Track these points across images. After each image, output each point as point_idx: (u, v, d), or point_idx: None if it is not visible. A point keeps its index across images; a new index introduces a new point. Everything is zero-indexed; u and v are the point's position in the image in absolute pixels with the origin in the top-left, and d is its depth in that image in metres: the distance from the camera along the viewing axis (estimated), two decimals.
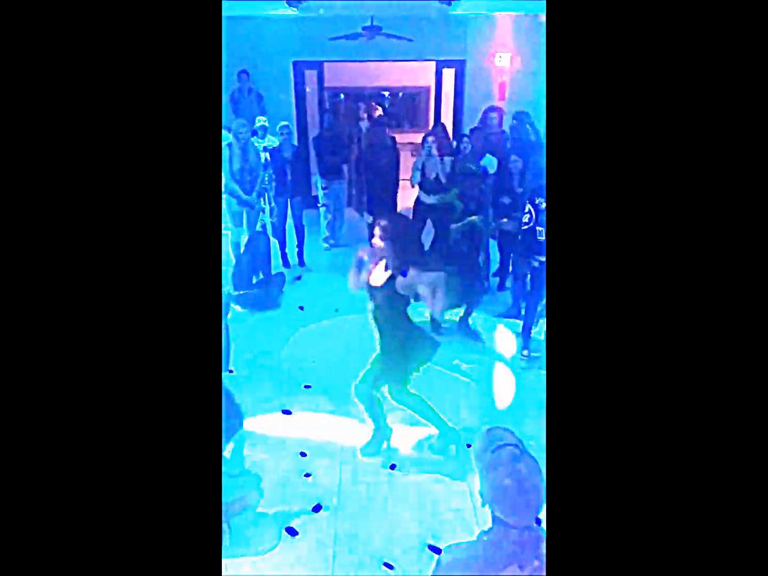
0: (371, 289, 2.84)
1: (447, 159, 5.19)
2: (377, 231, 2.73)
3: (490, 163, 5.15)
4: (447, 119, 7.77)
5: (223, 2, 1.64)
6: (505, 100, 7.25)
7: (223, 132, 4.80)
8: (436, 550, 2.57)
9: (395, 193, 5.96)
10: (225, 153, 4.97)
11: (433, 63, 7.62)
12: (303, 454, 3.15)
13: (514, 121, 6.02)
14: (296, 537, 2.64)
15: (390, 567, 2.51)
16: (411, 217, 5.08)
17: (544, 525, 1.28)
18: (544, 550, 1.26)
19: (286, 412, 3.52)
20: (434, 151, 5.08)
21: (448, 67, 7.49)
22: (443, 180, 5.11)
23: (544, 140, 5.39)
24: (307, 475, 3.05)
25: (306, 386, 3.76)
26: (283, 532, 2.65)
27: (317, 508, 2.82)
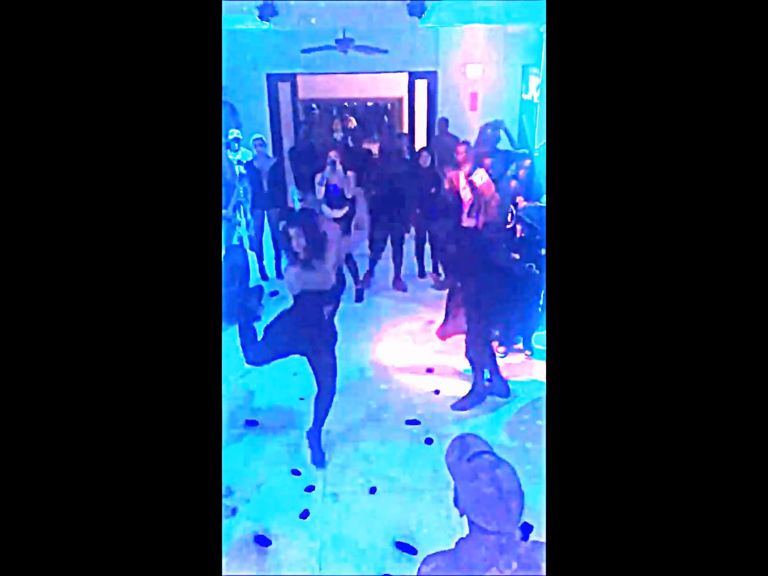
0: None
1: (351, 174, 5.16)
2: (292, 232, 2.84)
3: (480, 176, 5.19)
4: (420, 129, 7.86)
5: None
6: (477, 110, 7.37)
7: None
8: (405, 548, 2.61)
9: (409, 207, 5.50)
10: None
11: (406, 74, 7.70)
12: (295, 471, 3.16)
13: (489, 130, 6.12)
14: (269, 546, 2.65)
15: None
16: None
17: (542, 533, 1.29)
18: (523, 551, 1.29)
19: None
20: (338, 166, 5.04)
21: (420, 78, 7.58)
22: (347, 194, 5.12)
23: (519, 147, 5.49)
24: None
25: (301, 398, 3.76)
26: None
27: (305, 515, 2.84)
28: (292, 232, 2.80)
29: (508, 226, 4.09)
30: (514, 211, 4.06)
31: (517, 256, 4.02)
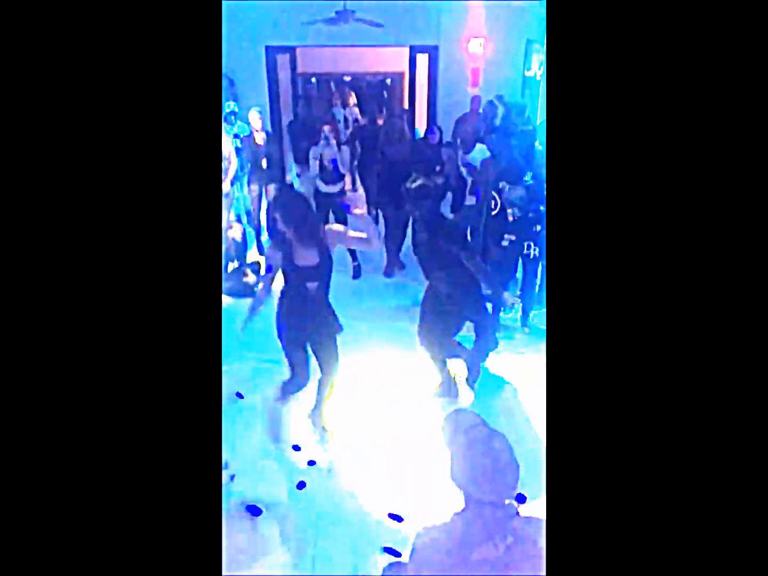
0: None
1: (345, 148, 5.13)
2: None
3: (481, 151, 5.12)
4: (421, 105, 7.76)
5: None
6: (479, 86, 7.27)
7: None
8: (397, 518, 2.66)
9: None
10: None
11: (407, 48, 7.58)
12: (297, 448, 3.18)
13: (488, 107, 6.05)
14: (260, 516, 2.69)
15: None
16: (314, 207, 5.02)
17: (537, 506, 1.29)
18: (518, 526, 1.30)
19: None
20: (332, 140, 5.03)
21: (421, 52, 7.46)
22: (342, 169, 5.10)
23: (521, 124, 5.43)
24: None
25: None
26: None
27: (301, 485, 2.87)
28: (277, 215, 2.74)
29: (494, 213, 4.06)
30: (498, 198, 4.03)
31: (513, 238, 4.01)
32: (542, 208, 3.89)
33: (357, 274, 5.35)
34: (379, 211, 5.40)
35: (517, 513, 1.35)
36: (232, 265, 5.16)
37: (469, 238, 5.00)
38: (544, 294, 4.66)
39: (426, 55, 7.43)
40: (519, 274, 4.33)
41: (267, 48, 7.17)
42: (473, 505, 1.30)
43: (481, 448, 1.30)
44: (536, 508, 1.63)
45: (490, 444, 1.31)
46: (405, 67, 8.07)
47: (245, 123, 5.60)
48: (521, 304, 4.33)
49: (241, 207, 5.77)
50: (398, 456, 3.10)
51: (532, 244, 3.99)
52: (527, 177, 3.90)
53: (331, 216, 5.29)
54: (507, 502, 1.29)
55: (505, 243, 4.05)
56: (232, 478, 2.91)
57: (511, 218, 3.97)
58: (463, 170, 5.51)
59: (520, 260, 4.17)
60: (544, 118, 5.59)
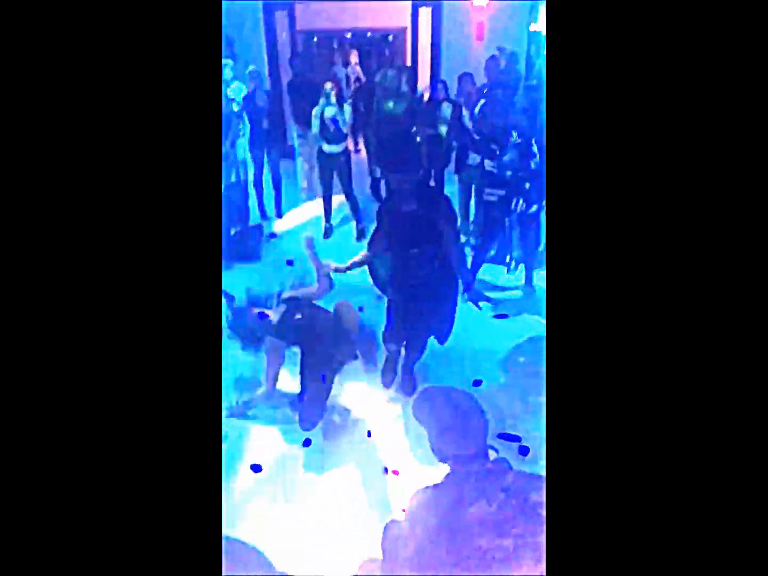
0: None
1: (347, 106, 5.02)
2: None
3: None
4: (424, 61, 7.57)
5: None
6: (483, 39, 7.06)
7: None
8: (393, 472, 2.72)
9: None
10: None
11: (409, 2, 7.35)
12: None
13: (490, 61, 5.86)
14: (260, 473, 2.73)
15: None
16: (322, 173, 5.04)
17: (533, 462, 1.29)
18: (510, 482, 1.31)
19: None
20: (333, 99, 4.90)
21: (424, 6, 7.23)
22: (344, 128, 4.99)
23: (527, 78, 5.28)
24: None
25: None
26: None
27: (307, 443, 2.91)
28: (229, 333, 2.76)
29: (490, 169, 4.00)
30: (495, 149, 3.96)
31: (502, 192, 3.93)
32: (533, 165, 3.81)
33: (361, 235, 5.32)
34: (382, 173, 5.32)
35: (510, 468, 1.36)
36: (235, 229, 5.14)
37: (473, 202, 4.93)
38: None
39: (429, 9, 7.20)
40: (516, 234, 4.26)
41: (265, 4, 6.98)
42: (457, 463, 1.32)
43: (441, 400, 1.40)
44: (529, 464, 1.64)
45: (449, 396, 1.41)
46: (408, 22, 7.84)
47: (242, 83, 5.49)
48: (523, 264, 4.30)
49: (241, 170, 5.69)
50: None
51: (520, 201, 3.91)
52: (513, 136, 3.81)
53: (335, 177, 5.22)
54: (493, 456, 1.31)
55: (493, 198, 3.96)
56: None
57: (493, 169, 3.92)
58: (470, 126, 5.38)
59: (516, 219, 4.08)
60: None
